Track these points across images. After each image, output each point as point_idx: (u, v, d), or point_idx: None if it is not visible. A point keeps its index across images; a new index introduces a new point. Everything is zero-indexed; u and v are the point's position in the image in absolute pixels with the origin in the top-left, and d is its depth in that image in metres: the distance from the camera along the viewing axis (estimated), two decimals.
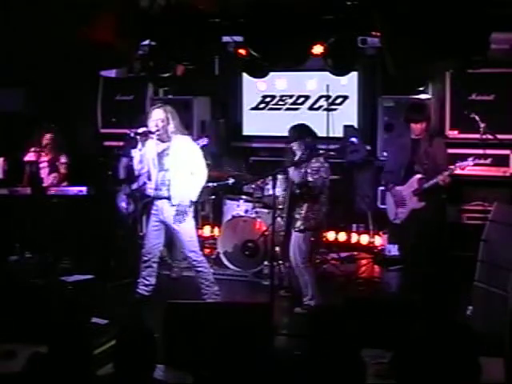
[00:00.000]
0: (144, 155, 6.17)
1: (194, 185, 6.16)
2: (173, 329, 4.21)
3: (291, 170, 6.22)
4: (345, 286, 7.16)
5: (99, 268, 6.99)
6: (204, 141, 7.41)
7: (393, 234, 7.52)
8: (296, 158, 6.24)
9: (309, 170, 6.06)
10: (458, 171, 6.19)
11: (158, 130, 6.04)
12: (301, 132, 6.28)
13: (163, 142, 6.13)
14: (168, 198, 6.17)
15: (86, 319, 5.50)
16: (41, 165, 7.64)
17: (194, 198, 6.19)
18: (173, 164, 6.13)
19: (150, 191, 6.33)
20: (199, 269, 6.27)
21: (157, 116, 6.06)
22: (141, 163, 6.22)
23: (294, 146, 6.24)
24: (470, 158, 6.18)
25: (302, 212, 6.19)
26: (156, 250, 6.36)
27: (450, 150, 6.63)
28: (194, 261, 6.26)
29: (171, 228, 6.24)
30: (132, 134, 6.17)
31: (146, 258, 6.34)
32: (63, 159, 7.76)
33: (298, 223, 6.21)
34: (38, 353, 2.95)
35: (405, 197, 6.37)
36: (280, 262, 6.93)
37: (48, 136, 7.66)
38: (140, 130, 6.09)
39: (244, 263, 7.42)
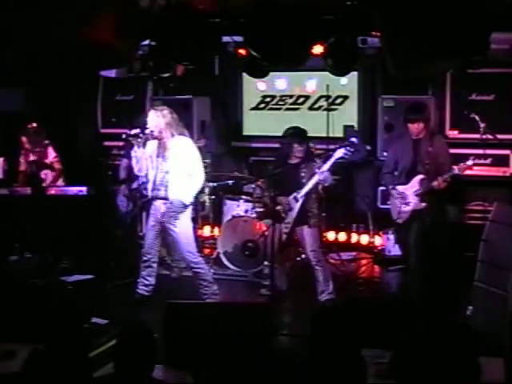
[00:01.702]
0: (141, 156, 6.17)
1: (190, 187, 6.15)
2: (173, 329, 4.21)
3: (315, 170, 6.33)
4: (345, 286, 7.15)
5: (99, 268, 6.99)
6: (201, 142, 7.42)
7: (398, 234, 7.51)
8: (297, 159, 6.35)
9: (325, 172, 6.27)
10: (457, 172, 6.16)
11: (155, 133, 6.05)
12: (303, 134, 6.46)
13: (162, 143, 6.12)
14: (166, 199, 6.18)
15: (85, 319, 5.51)
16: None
17: (188, 202, 6.17)
18: (171, 165, 6.12)
19: (149, 192, 6.34)
20: (196, 270, 6.27)
21: (153, 120, 6.07)
22: (137, 164, 6.23)
23: (298, 146, 6.37)
24: (469, 161, 6.14)
25: (315, 208, 6.42)
26: (155, 249, 6.36)
27: (450, 150, 6.62)
28: (191, 262, 6.26)
29: (168, 229, 6.24)
30: (124, 136, 6.20)
31: (145, 258, 6.34)
32: (51, 154, 7.73)
33: (313, 220, 6.41)
34: (37, 348, 2.94)
35: (406, 197, 6.35)
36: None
37: (24, 140, 7.65)
38: (132, 132, 6.10)
39: (244, 263, 7.42)
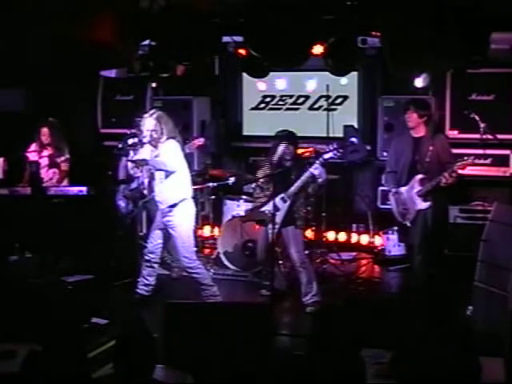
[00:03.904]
0: (137, 162, 6.23)
1: (173, 190, 6.16)
2: (173, 329, 4.21)
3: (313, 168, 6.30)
4: (345, 286, 7.16)
5: (99, 268, 6.99)
6: (200, 141, 7.44)
7: (402, 234, 7.51)
8: (286, 161, 6.37)
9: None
10: (458, 170, 6.15)
11: (150, 139, 6.08)
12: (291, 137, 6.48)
13: (156, 148, 6.14)
14: (159, 202, 6.24)
15: (85, 319, 5.51)
16: (41, 160, 7.64)
17: (172, 202, 6.16)
18: (161, 161, 6.12)
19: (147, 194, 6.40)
20: (193, 274, 6.27)
21: (149, 126, 6.08)
22: (133, 170, 6.28)
23: (286, 149, 6.37)
24: (471, 157, 6.13)
25: (302, 210, 6.43)
26: (158, 250, 6.38)
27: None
28: (186, 267, 6.28)
29: (168, 231, 6.26)
30: (120, 145, 6.24)
31: (147, 258, 6.35)
32: (64, 155, 7.75)
33: (299, 222, 6.41)
34: (35, 349, 2.95)
35: (409, 199, 6.35)
36: (280, 262, 6.95)
37: (45, 130, 7.66)
38: (130, 142, 6.14)
39: (244, 263, 7.41)
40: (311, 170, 6.23)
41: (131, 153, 6.23)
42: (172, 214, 6.16)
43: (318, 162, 6.24)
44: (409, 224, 6.43)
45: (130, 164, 6.33)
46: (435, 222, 6.30)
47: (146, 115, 6.22)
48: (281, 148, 6.35)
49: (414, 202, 6.30)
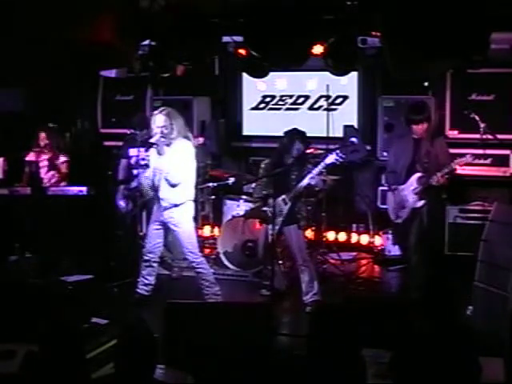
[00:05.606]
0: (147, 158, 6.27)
1: (180, 189, 6.17)
2: (173, 329, 4.22)
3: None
4: (345, 286, 7.16)
5: (99, 268, 6.99)
6: (199, 141, 7.44)
7: (397, 234, 7.51)
8: (291, 159, 6.35)
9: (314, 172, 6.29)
10: (456, 167, 6.15)
11: (161, 136, 6.07)
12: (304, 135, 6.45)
13: (166, 145, 6.14)
14: (163, 199, 6.23)
15: (85, 319, 5.51)
16: (41, 163, 7.65)
17: (178, 202, 6.18)
18: (170, 167, 6.13)
19: (149, 192, 6.41)
20: (198, 270, 6.29)
21: (159, 122, 6.08)
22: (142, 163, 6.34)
23: (298, 145, 6.36)
24: (468, 155, 6.15)
25: (304, 211, 6.47)
26: (157, 249, 6.39)
27: (450, 150, 6.63)
28: (193, 262, 6.29)
29: (170, 229, 6.27)
30: (134, 161, 6.43)
31: (146, 258, 6.36)
32: (63, 158, 7.76)
33: (301, 222, 6.45)
34: (33, 350, 2.95)
35: (405, 196, 6.38)
36: (280, 262, 6.95)
37: (42, 136, 7.67)
38: (145, 155, 6.20)
39: (244, 263, 7.42)
40: (307, 180, 6.25)
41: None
42: (174, 211, 6.17)
43: (315, 171, 6.26)
44: (400, 221, 6.44)
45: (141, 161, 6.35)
46: (430, 222, 6.32)
47: (156, 112, 6.23)
48: (294, 145, 6.35)
49: (409, 199, 6.32)
